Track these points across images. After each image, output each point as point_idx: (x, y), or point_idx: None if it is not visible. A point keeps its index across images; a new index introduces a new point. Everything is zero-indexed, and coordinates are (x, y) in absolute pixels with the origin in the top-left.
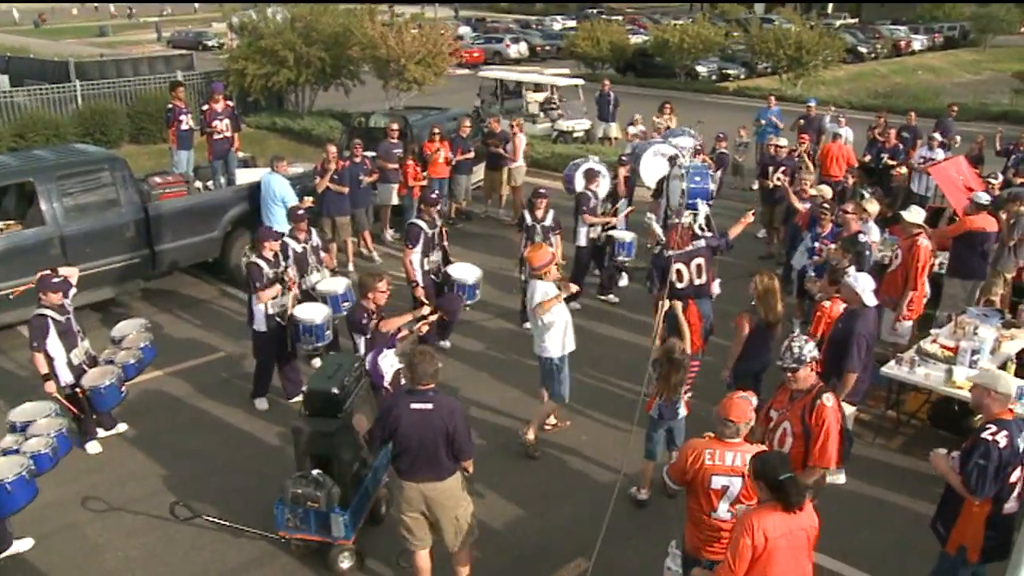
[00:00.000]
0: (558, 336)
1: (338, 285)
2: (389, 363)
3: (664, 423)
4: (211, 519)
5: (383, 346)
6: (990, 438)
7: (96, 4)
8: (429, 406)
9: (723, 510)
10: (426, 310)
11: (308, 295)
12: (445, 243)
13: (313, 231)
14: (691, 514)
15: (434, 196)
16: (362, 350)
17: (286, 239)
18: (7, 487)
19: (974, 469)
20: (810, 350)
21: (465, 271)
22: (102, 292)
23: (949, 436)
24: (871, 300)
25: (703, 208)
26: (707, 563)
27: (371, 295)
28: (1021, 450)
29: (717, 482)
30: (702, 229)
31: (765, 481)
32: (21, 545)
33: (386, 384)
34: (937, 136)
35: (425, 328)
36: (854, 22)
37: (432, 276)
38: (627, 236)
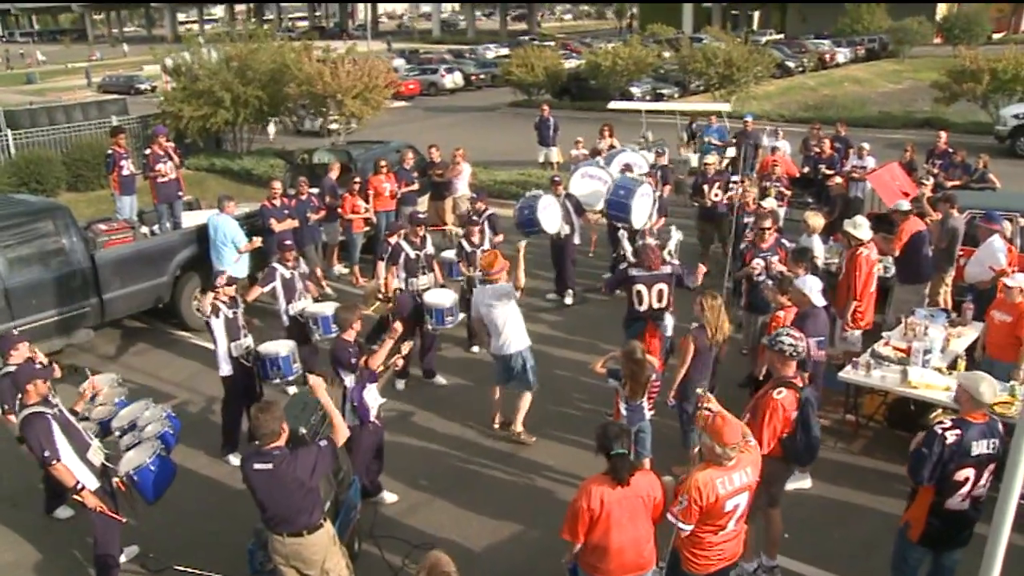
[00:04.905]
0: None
1: (326, 307)
2: (373, 396)
3: (634, 429)
4: (182, 568)
5: (367, 381)
6: (939, 431)
7: (22, 50)
8: (269, 466)
9: (731, 527)
10: (398, 325)
11: (295, 320)
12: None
13: (301, 259)
14: (696, 541)
15: (421, 215)
16: (349, 384)
17: (275, 265)
18: (151, 467)
19: (915, 455)
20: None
21: (440, 295)
22: (51, 344)
23: (907, 436)
24: (819, 300)
25: (676, 235)
26: None
27: (353, 327)
28: (974, 453)
29: (730, 504)
30: (671, 255)
31: (602, 452)
32: None
33: (372, 418)
34: (865, 146)
35: (401, 362)
36: (780, 38)
37: (416, 298)
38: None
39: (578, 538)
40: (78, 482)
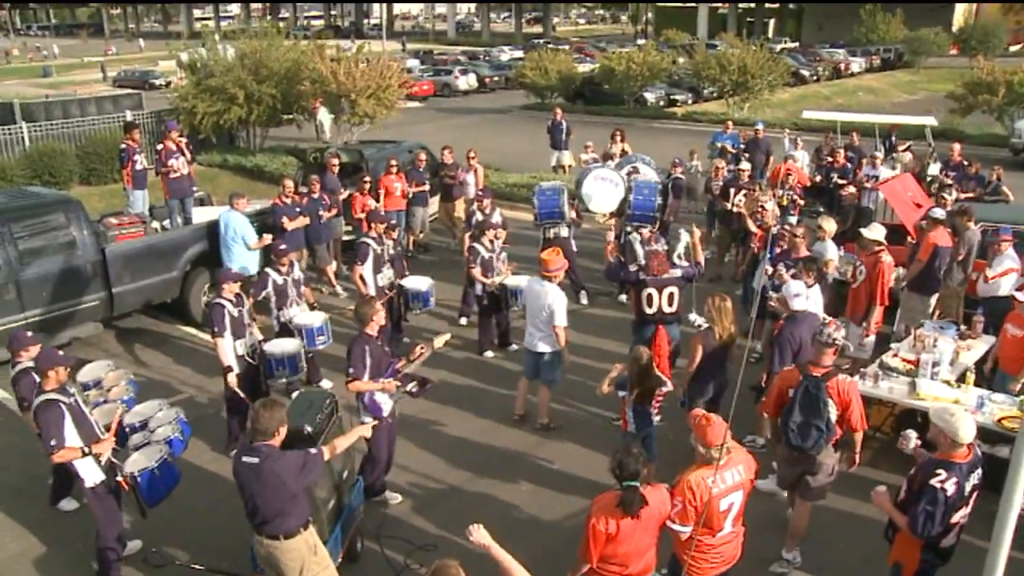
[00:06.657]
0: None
1: (315, 319)
2: (388, 394)
3: (641, 435)
4: (185, 564)
5: (382, 376)
6: (939, 485)
7: (39, 44)
8: (255, 460)
9: (728, 528)
10: (441, 340)
11: (285, 327)
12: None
13: (296, 264)
14: (695, 545)
15: (382, 214)
16: (365, 377)
17: (268, 270)
18: (155, 471)
19: (921, 514)
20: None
21: (416, 281)
22: (59, 336)
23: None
24: (798, 305)
25: (684, 237)
26: None
27: (373, 320)
28: (967, 492)
29: (725, 503)
30: (680, 258)
31: (616, 478)
32: None
33: (385, 415)
34: (879, 155)
35: (428, 352)
36: (795, 46)
37: (386, 291)
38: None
39: (591, 559)
40: (82, 448)
